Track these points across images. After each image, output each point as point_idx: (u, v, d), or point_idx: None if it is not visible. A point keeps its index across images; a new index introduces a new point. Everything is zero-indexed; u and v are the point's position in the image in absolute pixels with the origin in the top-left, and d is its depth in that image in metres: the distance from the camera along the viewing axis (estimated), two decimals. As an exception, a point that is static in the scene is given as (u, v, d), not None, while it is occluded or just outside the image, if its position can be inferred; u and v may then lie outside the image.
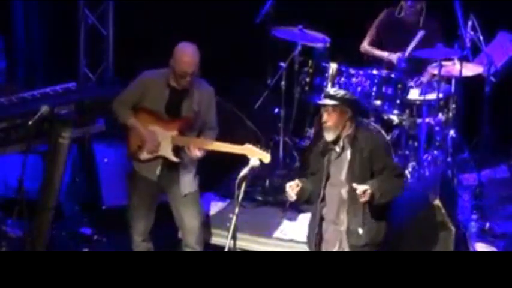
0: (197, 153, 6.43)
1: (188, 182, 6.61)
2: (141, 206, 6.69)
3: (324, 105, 5.93)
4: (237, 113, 8.24)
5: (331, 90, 6.04)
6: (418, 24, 8.33)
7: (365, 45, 8.51)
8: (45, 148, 6.73)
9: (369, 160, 5.89)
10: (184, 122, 6.51)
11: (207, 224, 7.32)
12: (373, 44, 8.49)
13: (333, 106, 5.90)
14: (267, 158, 6.30)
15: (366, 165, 5.90)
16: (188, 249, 6.70)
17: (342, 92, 6.00)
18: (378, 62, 8.40)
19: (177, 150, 6.53)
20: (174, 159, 6.52)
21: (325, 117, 5.92)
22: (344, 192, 5.93)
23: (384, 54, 8.37)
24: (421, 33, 8.11)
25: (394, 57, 8.27)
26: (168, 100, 6.51)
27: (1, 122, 6.51)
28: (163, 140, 6.52)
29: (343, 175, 5.93)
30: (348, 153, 5.92)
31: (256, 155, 6.19)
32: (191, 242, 6.68)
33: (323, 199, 5.98)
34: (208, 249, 7.01)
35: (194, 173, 6.66)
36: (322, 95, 6.07)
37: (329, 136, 5.93)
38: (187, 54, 6.45)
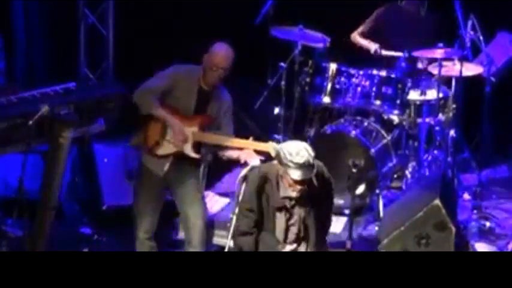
0: (245, 156, 6.40)
1: (203, 180, 6.65)
2: (147, 203, 6.66)
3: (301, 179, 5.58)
4: (237, 113, 8.24)
5: (304, 156, 5.53)
6: (419, 15, 8.35)
7: (355, 36, 8.51)
8: (45, 148, 6.73)
9: (319, 197, 5.81)
10: (205, 119, 6.51)
11: (207, 224, 7.33)
12: (366, 35, 8.48)
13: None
14: None
15: (315, 200, 5.82)
16: (191, 248, 6.66)
17: (310, 152, 5.60)
18: (375, 60, 8.40)
19: (196, 146, 6.52)
20: (194, 155, 6.50)
21: (301, 183, 5.60)
22: (303, 229, 5.86)
23: (365, 42, 8.39)
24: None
25: (372, 46, 8.29)
26: (197, 99, 6.51)
27: (1, 122, 6.51)
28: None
29: (303, 214, 5.80)
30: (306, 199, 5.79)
31: None
32: (195, 240, 6.63)
33: (286, 238, 5.88)
34: (208, 249, 7.01)
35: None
36: (294, 166, 5.52)
37: (297, 194, 5.69)
38: (223, 49, 6.54)
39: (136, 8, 9.28)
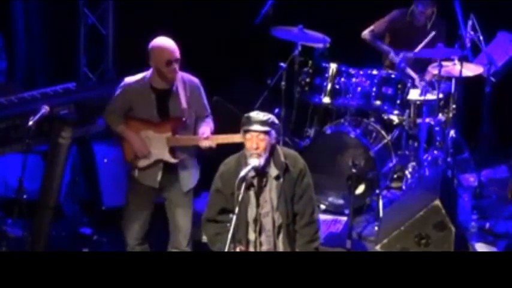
0: (207, 144, 6.37)
1: (188, 179, 6.56)
2: (138, 213, 6.62)
3: (256, 132, 5.71)
4: (237, 113, 8.24)
5: (260, 115, 5.77)
6: (426, 28, 8.35)
7: (366, 34, 8.49)
8: (45, 148, 6.74)
9: (295, 181, 5.80)
10: (175, 122, 6.45)
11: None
12: (377, 36, 8.48)
13: (265, 132, 5.72)
14: None
15: (292, 187, 5.80)
16: (175, 250, 6.65)
17: (269, 116, 5.78)
18: (378, 58, 8.40)
19: (174, 151, 6.49)
20: (172, 160, 6.46)
21: (256, 143, 5.72)
22: (278, 217, 5.83)
23: (389, 51, 8.37)
24: (431, 34, 8.11)
25: (396, 59, 8.27)
26: (156, 104, 6.45)
27: (1, 122, 6.52)
28: (158, 143, 6.46)
29: (275, 201, 5.81)
30: (278, 179, 5.80)
31: None
32: (183, 243, 6.62)
33: (260, 231, 5.87)
34: (207, 249, 7.01)
35: (194, 169, 6.61)
36: (251, 121, 5.75)
37: (259, 162, 5.73)
38: (166, 43, 6.46)
39: (136, 8, 9.28)
